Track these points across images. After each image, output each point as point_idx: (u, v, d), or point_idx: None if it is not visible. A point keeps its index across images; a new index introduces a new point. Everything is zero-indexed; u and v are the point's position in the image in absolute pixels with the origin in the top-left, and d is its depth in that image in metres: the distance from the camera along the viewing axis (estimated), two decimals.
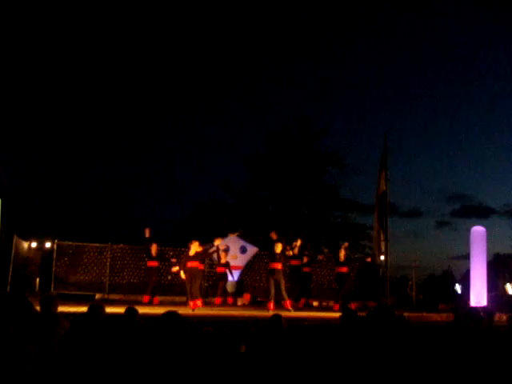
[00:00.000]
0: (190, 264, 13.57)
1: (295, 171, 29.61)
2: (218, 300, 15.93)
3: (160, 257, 15.86)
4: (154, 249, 15.51)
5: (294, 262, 15.48)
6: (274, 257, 14.03)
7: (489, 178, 55.62)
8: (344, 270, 15.20)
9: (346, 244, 15.92)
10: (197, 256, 13.73)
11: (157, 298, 15.33)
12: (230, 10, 47.20)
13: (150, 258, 15.53)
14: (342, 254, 15.18)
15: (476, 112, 55.27)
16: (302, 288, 15.79)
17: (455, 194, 67.36)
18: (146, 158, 53.92)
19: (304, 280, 15.95)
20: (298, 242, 15.56)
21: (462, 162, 57.22)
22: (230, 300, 16.20)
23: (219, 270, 16.36)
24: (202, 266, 14.33)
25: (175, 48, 52.53)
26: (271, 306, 13.51)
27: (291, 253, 14.99)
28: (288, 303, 13.67)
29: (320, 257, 18.40)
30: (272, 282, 13.79)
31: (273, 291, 13.73)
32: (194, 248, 13.69)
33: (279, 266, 13.95)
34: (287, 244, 14.75)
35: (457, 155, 58.71)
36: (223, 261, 16.25)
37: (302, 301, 15.66)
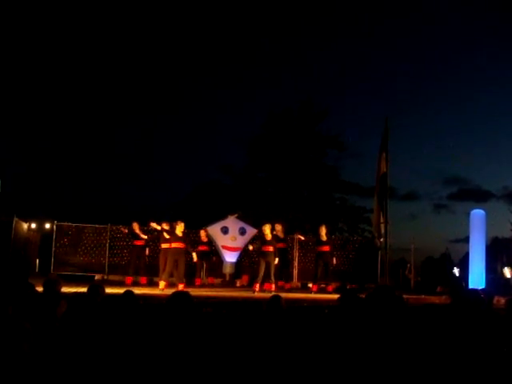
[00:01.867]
0: (175, 244, 13.69)
1: (295, 153, 29.55)
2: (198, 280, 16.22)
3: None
4: (136, 228, 15.64)
5: (280, 245, 15.41)
6: (264, 239, 14.23)
7: (486, 161, 55.49)
8: (326, 248, 15.11)
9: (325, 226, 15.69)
10: (183, 237, 13.95)
11: (144, 278, 15.48)
12: None
13: (135, 237, 15.69)
14: (324, 232, 15.13)
15: (473, 95, 55.12)
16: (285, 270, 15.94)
17: (452, 177, 67.19)
18: (144, 139, 53.75)
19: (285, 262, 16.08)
20: (279, 227, 15.51)
21: (460, 145, 57.03)
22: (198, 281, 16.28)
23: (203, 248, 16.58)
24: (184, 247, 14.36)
25: (175, 29, 52.14)
26: (257, 287, 13.73)
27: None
28: (273, 286, 13.82)
29: (299, 236, 18.27)
30: (263, 264, 13.92)
31: (261, 273, 13.92)
32: (180, 229, 13.83)
33: (271, 248, 14.10)
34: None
35: (454, 138, 58.52)
36: (205, 240, 16.54)
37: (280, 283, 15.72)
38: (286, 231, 16.42)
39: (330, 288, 14.95)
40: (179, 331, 4.03)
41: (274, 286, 13.90)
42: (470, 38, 54.07)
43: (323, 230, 15.10)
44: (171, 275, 13.78)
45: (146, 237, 15.78)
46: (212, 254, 16.76)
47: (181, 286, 13.31)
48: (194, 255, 15.49)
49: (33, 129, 46.03)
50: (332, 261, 15.32)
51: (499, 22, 51.83)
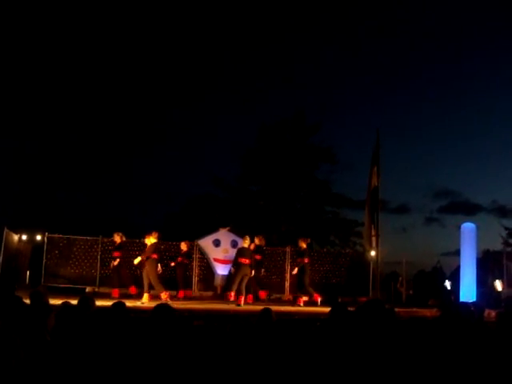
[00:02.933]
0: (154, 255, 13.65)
1: (287, 166, 29.64)
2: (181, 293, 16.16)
3: (123, 247, 15.79)
4: (118, 239, 15.47)
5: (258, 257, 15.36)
6: (243, 252, 14.23)
7: (476, 174, 55.57)
8: (305, 260, 15.03)
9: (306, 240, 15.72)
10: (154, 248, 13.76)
11: (116, 291, 15.10)
12: (224, 6, 47.04)
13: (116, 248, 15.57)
14: (303, 244, 15.13)
15: (463, 108, 55.30)
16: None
17: (442, 190, 67.35)
18: (137, 151, 53.73)
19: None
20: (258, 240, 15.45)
21: (449, 159, 57.25)
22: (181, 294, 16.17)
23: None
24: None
25: (167, 45, 52.34)
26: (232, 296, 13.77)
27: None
28: (242, 298, 13.69)
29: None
30: (239, 276, 13.92)
31: (237, 285, 13.88)
32: (152, 240, 13.70)
33: (247, 260, 14.07)
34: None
35: (444, 151, 58.74)
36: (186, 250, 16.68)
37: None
38: (266, 244, 16.34)
39: (316, 297, 14.95)
40: (166, 343, 4.03)
41: (242, 298, 13.71)
42: (460, 49, 54.43)
43: (302, 243, 15.12)
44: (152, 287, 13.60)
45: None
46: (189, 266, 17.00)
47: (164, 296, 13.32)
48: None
49: (23, 139, 45.95)
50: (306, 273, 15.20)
51: (490, 31, 52.28)
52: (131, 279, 15.64)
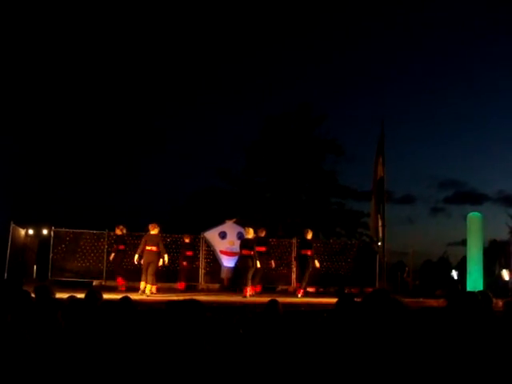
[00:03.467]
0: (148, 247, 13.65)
1: (293, 157, 29.59)
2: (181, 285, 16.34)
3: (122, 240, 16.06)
4: (119, 232, 15.80)
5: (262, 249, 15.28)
6: (245, 243, 14.32)
7: (482, 164, 55.47)
8: (308, 252, 15.05)
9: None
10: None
11: (120, 279, 15.52)
12: (233, 1, 46.92)
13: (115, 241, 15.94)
14: (310, 235, 15.18)
15: (468, 98, 55.06)
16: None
17: (447, 180, 67.16)
18: (142, 145, 53.71)
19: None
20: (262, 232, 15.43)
21: (454, 148, 57.04)
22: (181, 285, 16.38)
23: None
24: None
25: (170, 34, 52.26)
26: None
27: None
28: (248, 290, 13.73)
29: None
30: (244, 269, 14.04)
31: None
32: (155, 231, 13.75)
33: (249, 252, 14.09)
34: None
35: (448, 141, 58.53)
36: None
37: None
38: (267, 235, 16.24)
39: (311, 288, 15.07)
40: (181, 337, 4.03)
41: (248, 289, 13.74)
42: (467, 40, 54.18)
43: (309, 234, 15.14)
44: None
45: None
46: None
47: (154, 288, 13.39)
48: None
49: (29, 135, 45.99)
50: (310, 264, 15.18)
51: (496, 21, 51.94)
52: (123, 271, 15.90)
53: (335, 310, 5.03)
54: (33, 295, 6.21)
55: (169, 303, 4.08)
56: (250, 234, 14.38)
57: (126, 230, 16.07)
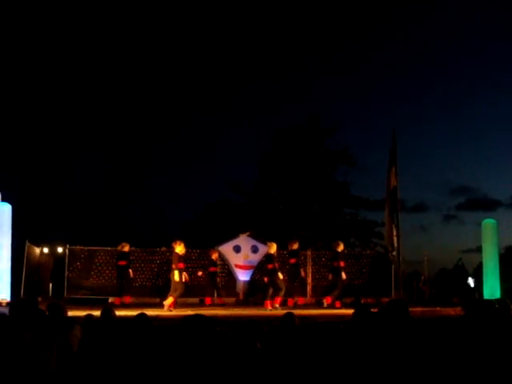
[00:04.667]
0: (182, 265, 13.88)
1: (304, 169, 29.56)
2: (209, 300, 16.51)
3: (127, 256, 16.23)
4: (126, 248, 15.99)
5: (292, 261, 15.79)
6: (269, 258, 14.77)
7: (493, 169, 55.17)
8: (292, 261, 15.51)
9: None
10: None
11: (128, 297, 15.59)
12: (238, 7, 47.16)
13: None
14: (296, 246, 15.64)
15: (478, 103, 54.99)
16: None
17: (459, 187, 67.11)
18: (155, 158, 53.98)
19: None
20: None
21: (464, 155, 56.91)
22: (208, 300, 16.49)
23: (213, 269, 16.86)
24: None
25: (183, 45, 52.58)
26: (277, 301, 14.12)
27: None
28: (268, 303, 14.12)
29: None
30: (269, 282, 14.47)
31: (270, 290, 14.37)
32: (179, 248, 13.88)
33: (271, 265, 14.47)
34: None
35: (458, 148, 58.34)
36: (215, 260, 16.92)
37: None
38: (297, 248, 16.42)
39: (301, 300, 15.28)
40: (194, 352, 4.03)
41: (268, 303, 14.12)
42: (477, 48, 54.11)
43: (295, 245, 15.54)
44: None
45: None
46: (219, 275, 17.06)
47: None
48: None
49: (43, 152, 46.35)
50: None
51: (506, 28, 51.87)
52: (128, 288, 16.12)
53: (352, 321, 5.01)
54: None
55: (183, 319, 4.09)
56: (273, 248, 14.68)
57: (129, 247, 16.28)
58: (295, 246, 15.68)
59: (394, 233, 13.96)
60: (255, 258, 17.32)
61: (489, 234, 14.62)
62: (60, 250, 19.09)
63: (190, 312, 11.42)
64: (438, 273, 24.21)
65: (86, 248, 17.63)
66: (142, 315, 5.77)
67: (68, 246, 17.51)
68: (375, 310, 4.77)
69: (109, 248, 17.72)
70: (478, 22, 53.61)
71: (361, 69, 53.19)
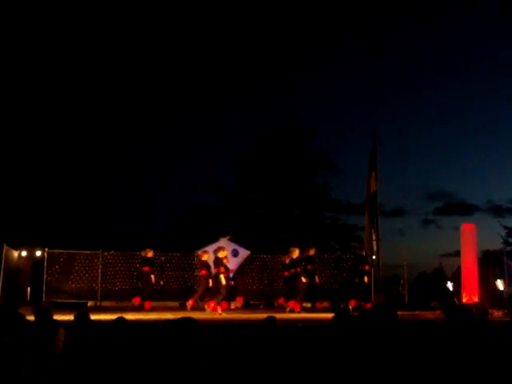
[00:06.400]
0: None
1: (285, 173, 29.57)
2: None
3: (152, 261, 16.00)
4: (150, 253, 15.90)
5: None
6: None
7: (470, 175, 55.85)
8: (286, 273, 15.71)
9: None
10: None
11: (149, 303, 15.36)
12: (222, 14, 47.23)
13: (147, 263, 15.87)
14: (312, 252, 16.20)
15: (455, 109, 55.55)
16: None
17: (437, 191, 67.89)
18: (135, 163, 53.72)
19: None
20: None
21: (442, 160, 57.53)
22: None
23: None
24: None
25: (165, 53, 52.49)
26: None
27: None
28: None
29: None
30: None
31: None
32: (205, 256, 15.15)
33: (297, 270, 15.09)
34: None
35: (436, 153, 58.92)
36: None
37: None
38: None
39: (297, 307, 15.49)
40: (177, 354, 4.02)
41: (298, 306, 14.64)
42: (457, 50, 54.69)
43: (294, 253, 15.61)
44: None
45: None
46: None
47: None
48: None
49: (21, 155, 45.92)
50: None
51: (490, 39, 52.50)
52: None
53: (333, 325, 5.03)
54: (29, 317, 6.18)
55: (165, 322, 4.07)
56: (296, 253, 15.10)
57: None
58: (312, 252, 16.16)
59: (374, 237, 14.01)
60: (235, 262, 17.33)
61: (467, 237, 14.74)
62: (39, 253, 18.87)
63: (169, 316, 11.39)
64: (417, 277, 24.33)
65: (65, 251, 17.48)
66: (120, 319, 5.74)
67: (47, 249, 17.34)
68: (356, 314, 4.79)
69: (88, 251, 17.59)
70: (467, 26, 54.14)
71: (341, 73, 53.44)
